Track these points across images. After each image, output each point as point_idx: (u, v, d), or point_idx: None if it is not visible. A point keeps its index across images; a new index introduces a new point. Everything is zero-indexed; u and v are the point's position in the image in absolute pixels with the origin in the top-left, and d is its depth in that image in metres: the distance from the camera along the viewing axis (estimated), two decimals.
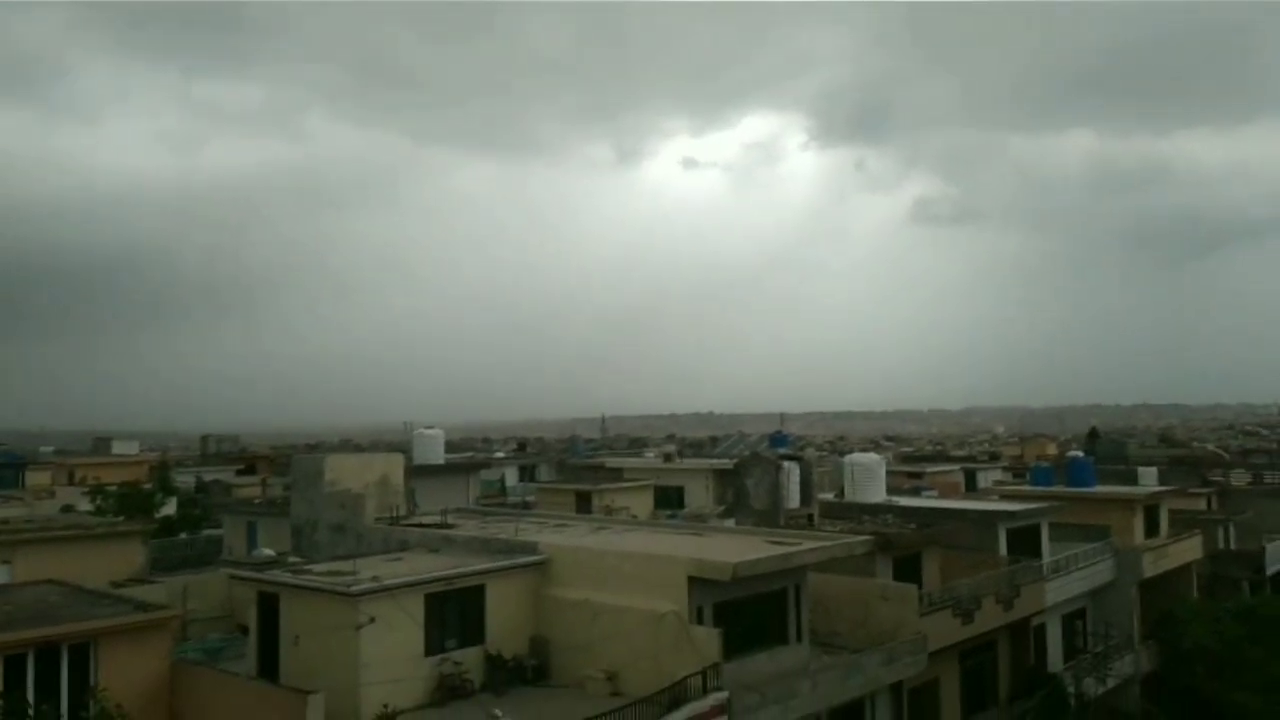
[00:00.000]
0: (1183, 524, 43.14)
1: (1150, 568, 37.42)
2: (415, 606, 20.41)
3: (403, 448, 41.54)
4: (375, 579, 20.25)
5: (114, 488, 46.90)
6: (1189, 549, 40.85)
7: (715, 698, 19.18)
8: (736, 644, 21.04)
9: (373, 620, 19.37)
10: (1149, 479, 46.54)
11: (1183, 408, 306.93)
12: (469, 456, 59.66)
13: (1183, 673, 35.75)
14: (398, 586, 20.20)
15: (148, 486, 49.77)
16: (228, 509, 40.08)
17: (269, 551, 28.80)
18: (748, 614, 21.99)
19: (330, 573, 21.32)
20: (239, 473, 69.06)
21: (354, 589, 19.56)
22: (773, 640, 22.50)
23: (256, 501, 42.76)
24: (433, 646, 20.61)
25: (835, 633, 25.41)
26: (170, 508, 46.86)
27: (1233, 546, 47.83)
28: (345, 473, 27.98)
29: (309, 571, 22.01)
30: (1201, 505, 50.46)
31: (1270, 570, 47.27)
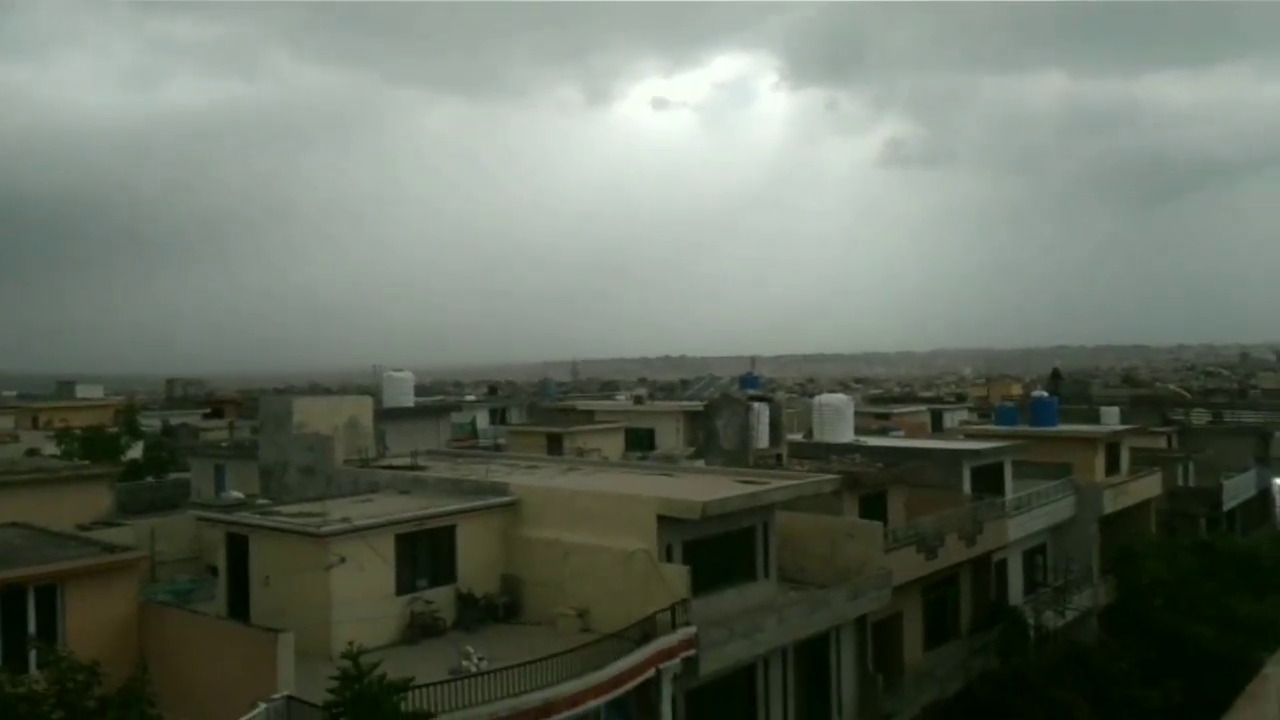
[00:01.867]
0: (1143, 462, 43.98)
1: (1110, 504, 38.21)
2: (386, 547, 20.46)
3: (372, 391, 41.28)
4: (345, 520, 20.25)
5: (79, 431, 46.39)
6: (1149, 486, 41.73)
7: (683, 633, 19.49)
8: (705, 581, 21.32)
9: (343, 560, 19.41)
10: (1111, 418, 47.33)
11: (1146, 349, 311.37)
12: (439, 400, 59.46)
13: (1140, 606, 36.69)
14: (368, 527, 20.22)
15: (113, 430, 49.28)
16: (195, 452, 39.73)
17: (237, 494, 28.67)
18: (716, 552, 22.26)
19: (299, 514, 21.28)
20: (206, 416, 68.50)
21: (324, 530, 19.56)
22: (741, 577, 22.84)
23: (224, 445, 42.43)
24: (404, 586, 20.74)
25: (803, 569, 25.81)
26: (136, 451, 46.47)
27: (1192, 484, 48.91)
28: (314, 415, 27.79)
29: (278, 513, 21.95)
30: (1162, 444, 51.45)
31: (1227, 506, 48.50)
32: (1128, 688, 30.51)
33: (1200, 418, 60.11)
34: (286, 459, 27.56)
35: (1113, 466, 41.24)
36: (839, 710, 25.13)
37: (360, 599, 19.51)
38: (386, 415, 35.73)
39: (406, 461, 27.98)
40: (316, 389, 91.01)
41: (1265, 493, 54.66)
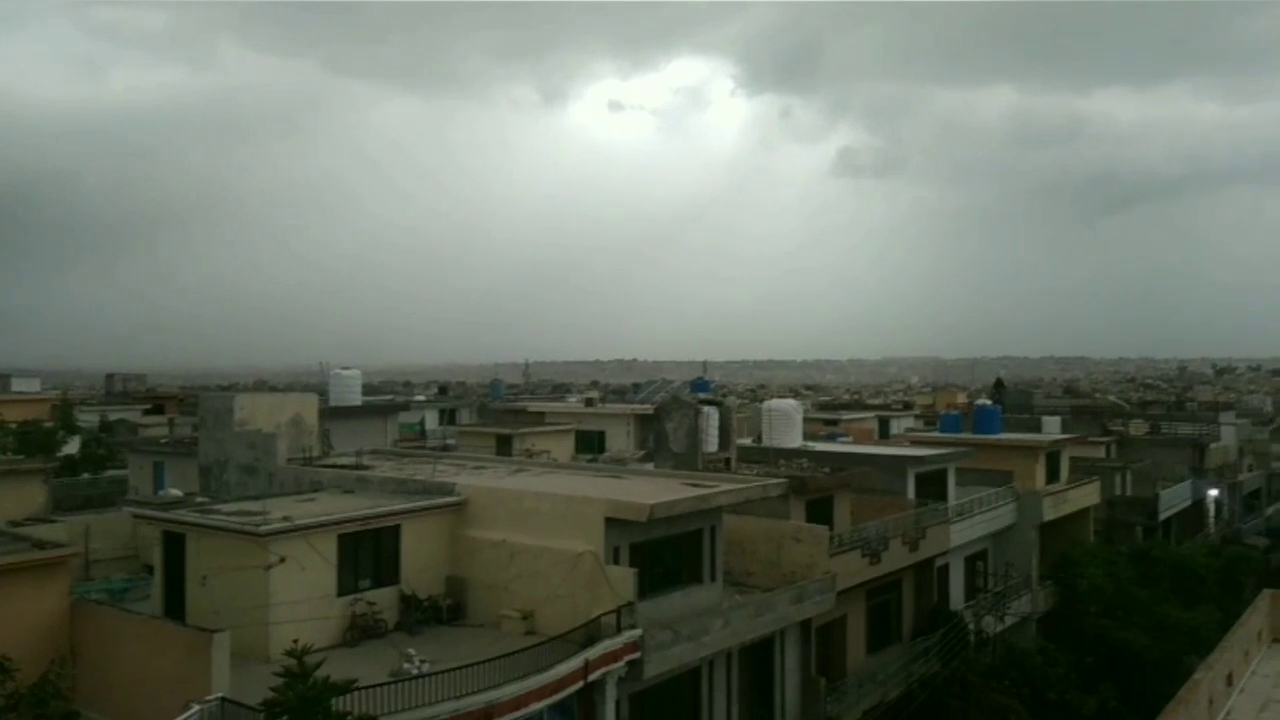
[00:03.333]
0: (1083, 471, 44.99)
1: (1050, 512, 39.00)
2: (328, 547, 20.15)
3: (320, 389, 40.68)
4: (286, 519, 19.90)
5: (14, 426, 45.04)
6: (1087, 494, 42.66)
7: (628, 635, 19.46)
8: (652, 583, 21.36)
9: (283, 560, 19.08)
10: (1052, 428, 48.34)
11: (1088, 360, 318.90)
12: (388, 399, 58.79)
13: (1078, 612, 37.53)
14: (309, 526, 19.90)
15: (49, 425, 47.92)
16: (133, 449, 38.76)
17: (176, 492, 28.00)
18: (664, 554, 22.30)
19: (239, 512, 20.87)
20: (146, 412, 66.84)
21: (263, 529, 19.20)
22: (688, 580, 22.88)
23: (163, 441, 41.45)
24: (346, 586, 20.44)
25: (749, 572, 25.96)
26: (73, 447, 45.24)
27: (1129, 493, 50.14)
28: (256, 412, 27.27)
29: (217, 511, 21.51)
30: (1101, 453, 52.68)
31: (1163, 516, 49.80)
32: (1064, 691, 31.17)
33: (1138, 429, 61.59)
34: (227, 457, 27.02)
35: (1053, 475, 42.10)
36: (782, 713, 25.27)
37: (300, 600, 19.18)
38: (332, 414, 35.23)
39: (351, 461, 27.60)
40: (262, 386, 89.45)
41: (1200, 503, 56.21)
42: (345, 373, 42.15)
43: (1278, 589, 28.02)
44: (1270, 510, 66.68)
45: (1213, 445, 60.63)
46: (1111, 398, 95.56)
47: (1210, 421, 67.35)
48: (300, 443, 27.53)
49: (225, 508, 21.98)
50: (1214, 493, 57.49)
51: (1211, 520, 57.43)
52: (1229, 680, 21.89)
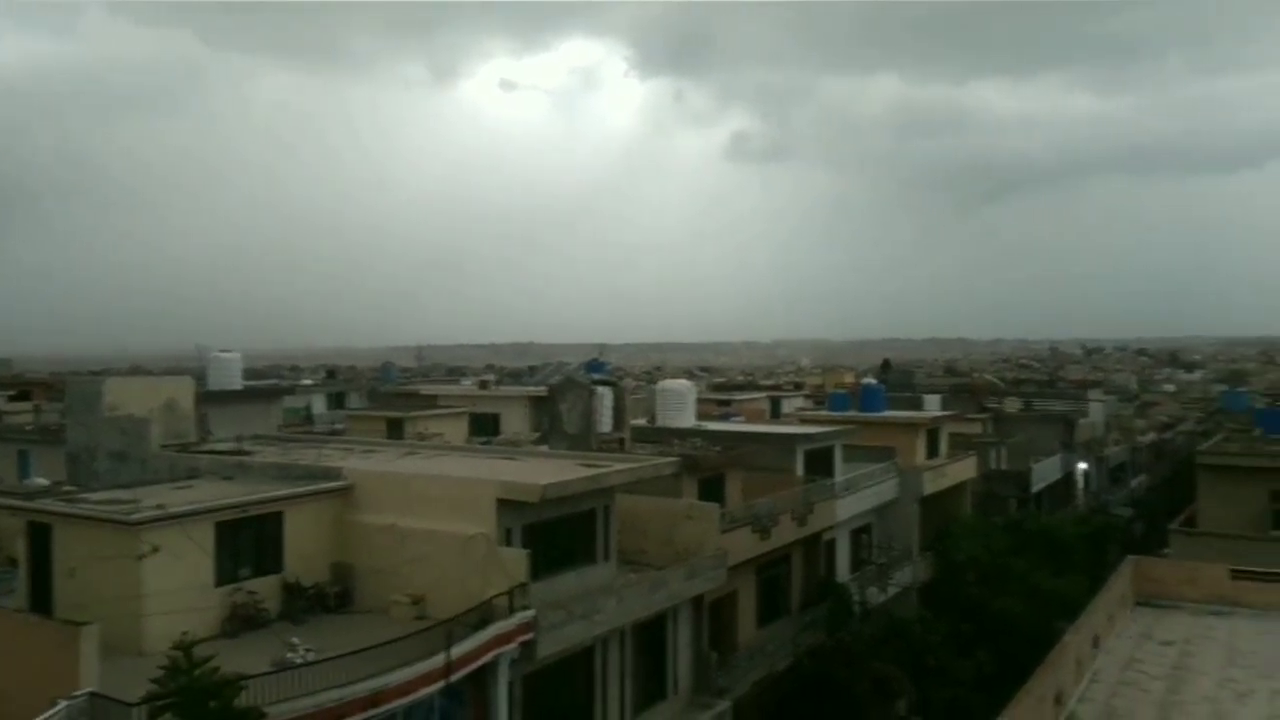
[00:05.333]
0: (961, 446, 46.77)
1: (930, 486, 40.46)
2: (204, 535, 19.41)
3: (198, 374, 39.10)
4: (160, 507, 19.09)
5: None
6: (965, 469, 44.42)
7: (521, 617, 19.38)
8: (545, 564, 21.28)
9: (156, 550, 18.30)
10: (933, 405, 50.18)
11: (967, 342, 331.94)
12: (272, 383, 56.96)
13: (955, 581, 39.06)
14: (184, 514, 19.13)
15: None
16: None
17: (42, 480, 26.67)
18: (557, 535, 22.25)
19: (108, 501, 19.93)
20: (11, 399, 63.15)
21: (134, 518, 18.37)
22: (581, 560, 22.91)
23: (29, 428, 39.37)
24: (224, 576, 19.73)
25: (642, 551, 26.14)
26: None
27: (1004, 467, 52.45)
28: (127, 397, 26.03)
29: (85, 500, 20.50)
30: (978, 429, 54.86)
31: (1035, 488, 52.32)
32: (942, 658, 32.44)
33: (1013, 406, 64.48)
34: (96, 443, 25.75)
35: (933, 450, 43.67)
36: (675, 688, 25.61)
37: (175, 590, 18.44)
38: (211, 398, 34.03)
39: (231, 446, 26.65)
40: (138, 371, 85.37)
41: (1069, 476, 59.25)
42: (225, 356, 40.68)
43: (1140, 556, 29.85)
44: (1134, 482, 70.75)
45: (1081, 421, 63.90)
46: (988, 377, 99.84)
47: (1079, 399, 71.05)
48: (175, 428, 26.42)
49: (94, 496, 20.97)
50: (1082, 466, 60.67)
51: (1080, 492, 60.57)
52: (1095, 642, 23.20)
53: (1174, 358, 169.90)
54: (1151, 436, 77.22)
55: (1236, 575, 27.03)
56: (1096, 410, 69.25)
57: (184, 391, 27.40)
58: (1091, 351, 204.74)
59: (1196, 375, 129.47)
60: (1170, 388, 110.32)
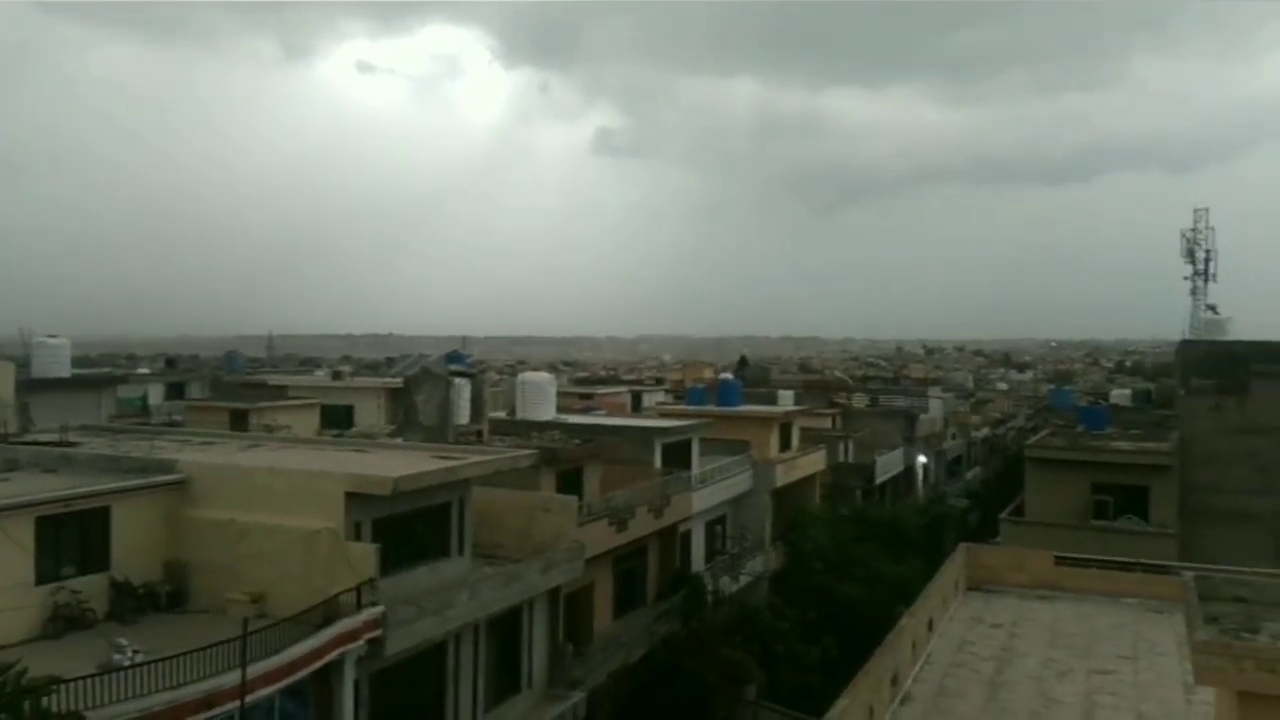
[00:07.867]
0: (811, 440, 48.38)
1: (782, 478, 41.67)
2: (23, 531, 18.05)
3: (20, 360, 36.31)
4: None
5: None
6: (815, 461, 45.95)
7: (369, 613, 18.84)
8: (396, 559, 20.76)
9: None
10: (787, 400, 51.61)
11: (819, 340, 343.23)
12: (104, 371, 53.47)
13: (804, 570, 40.32)
14: (1, 509, 17.73)
15: None
16: None
17: None
18: (410, 529, 21.74)
19: None
20: None
21: None
22: (435, 554, 22.45)
23: None
24: (46, 574, 18.39)
25: (499, 544, 25.84)
26: None
27: (851, 459, 54.57)
28: None
29: None
30: (828, 424, 56.91)
31: (880, 480, 54.69)
32: (790, 644, 33.48)
33: (860, 402, 67.16)
34: None
35: (785, 444, 44.96)
36: (529, 681, 25.47)
37: None
38: (35, 386, 31.75)
39: (55, 437, 24.87)
40: None
41: (911, 468, 62.19)
42: (51, 341, 38.03)
43: (972, 544, 31.51)
44: (970, 474, 74.92)
45: (922, 417, 67.10)
46: (838, 374, 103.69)
47: (920, 395, 74.63)
48: None
49: None
50: (923, 459, 63.79)
51: (920, 484, 63.65)
52: (930, 625, 24.33)
53: (1007, 358, 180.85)
54: (986, 432, 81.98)
55: (1060, 561, 28.74)
56: (936, 407, 72.82)
57: (3, 378, 25.41)
58: (932, 351, 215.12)
59: (1027, 375, 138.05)
60: (1003, 386, 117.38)
